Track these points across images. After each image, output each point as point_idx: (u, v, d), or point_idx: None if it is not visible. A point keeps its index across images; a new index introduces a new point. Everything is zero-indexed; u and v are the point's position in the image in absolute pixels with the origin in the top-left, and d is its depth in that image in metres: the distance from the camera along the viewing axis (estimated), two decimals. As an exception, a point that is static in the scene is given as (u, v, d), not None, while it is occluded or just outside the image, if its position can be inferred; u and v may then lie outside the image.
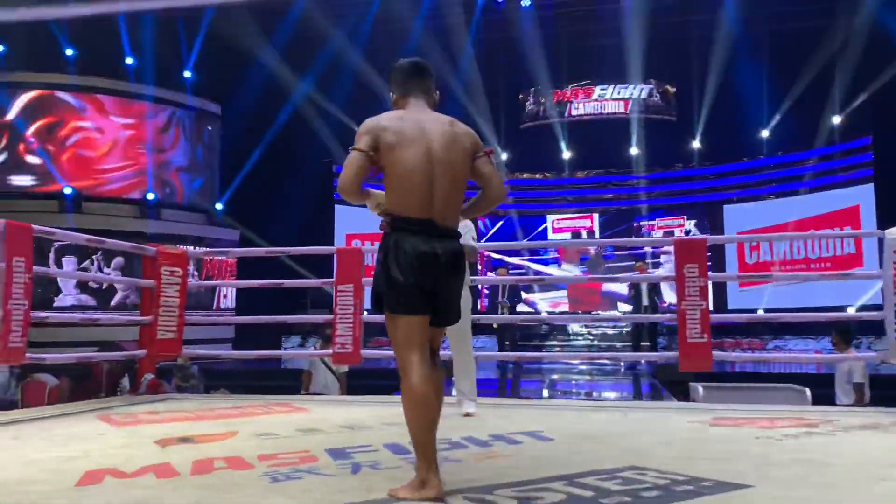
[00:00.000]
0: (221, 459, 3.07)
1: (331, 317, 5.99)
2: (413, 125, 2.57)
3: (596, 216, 18.09)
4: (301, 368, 7.73)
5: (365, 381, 9.57)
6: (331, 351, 7.28)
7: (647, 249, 16.97)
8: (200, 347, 8.70)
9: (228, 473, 2.81)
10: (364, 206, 2.66)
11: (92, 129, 15.14)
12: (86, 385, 7.14)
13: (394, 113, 2.67)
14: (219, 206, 16.62)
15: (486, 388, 8.25)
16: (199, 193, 16.45)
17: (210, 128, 16.64)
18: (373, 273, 2.68)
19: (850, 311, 13.39)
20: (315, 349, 7.85)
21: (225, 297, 15.38)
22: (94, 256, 14.05)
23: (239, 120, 15.65)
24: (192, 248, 9.08)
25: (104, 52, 15.26)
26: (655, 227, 17.74)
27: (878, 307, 12.96)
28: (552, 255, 17.84)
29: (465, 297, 4.75)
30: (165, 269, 6.18)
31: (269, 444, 3.51)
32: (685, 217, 17.62)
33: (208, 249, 8.79)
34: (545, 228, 18.10)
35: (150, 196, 15.25)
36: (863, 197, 15.05)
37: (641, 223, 17.83)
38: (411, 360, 2.46)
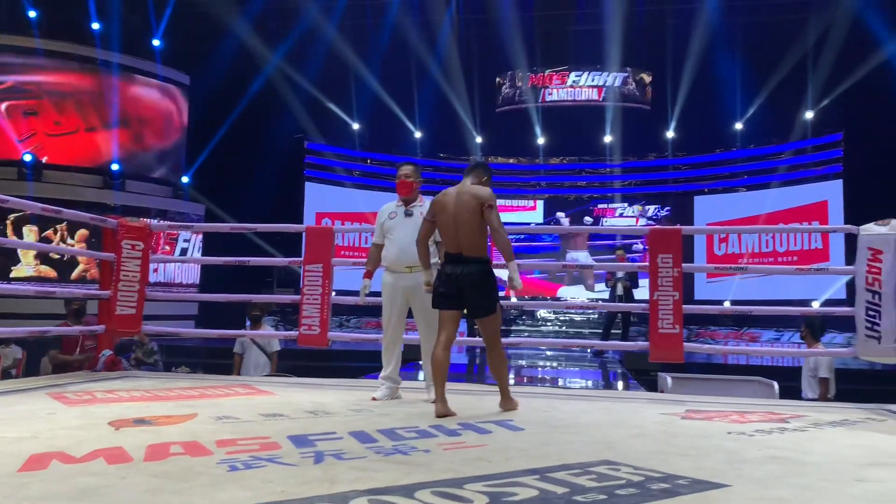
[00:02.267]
0: (178, 444, 2.93)
1: (291, 298, 5.84)
2: (450, 199, 4.24)
3: (541, 203, 18.05)
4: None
5: (332, 362, 9.48)
6: (264, 331, 7.16)
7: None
8: (162, 324, 8.51)
9: (184, 460, 2.67)
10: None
11: (29, 93, 14.57)
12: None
13: (446, 190, 4.32)
14: (185, 180, 16.27)
15: (455, 372, 8.17)
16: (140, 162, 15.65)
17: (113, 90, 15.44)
18: None
19: (815, 305, 13.57)
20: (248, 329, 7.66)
21: (155, 271, 14.79)
22: (56, 227, 13.66)
23: (208, 91, 15.28)
24: (154, 220, 8.82)
25: (69, 16, 14.76)
26: (615, 214, 17.77)
27: (842, 302, 13.19)
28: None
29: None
30: (126, 242, 5.97)
31: (228, 428, 3.37)
32: (642, 204, 17.68)
33: (171, 223, 8.55)
34: None
35: (115, 167, 14.85)
36: (831, 193, 15.22)
37: (591, 207, 17.88)
38: (441, 334, 4.18)
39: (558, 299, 17.08)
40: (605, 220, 17.69)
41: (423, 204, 4.74)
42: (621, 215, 17.80)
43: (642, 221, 17.41)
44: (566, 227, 17.26)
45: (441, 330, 4.19)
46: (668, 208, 17.51)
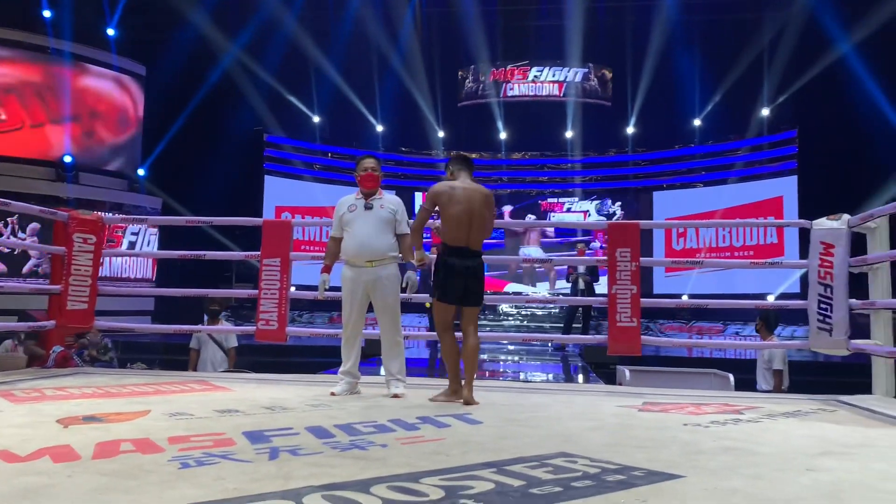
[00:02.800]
0: (129, 441, 2.86)
1: (248, 293, 5.76)
2: (461, 193, 4.39)
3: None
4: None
5: (291, 358, 9.39)
6: (221, 326, 7.09)
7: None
8: (118, 319, 8.36)
9: (135, 457, 2.61)
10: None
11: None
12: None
13: (447, 183, 4.45)
14: (141, 172, 15.95)
15: (416, 367, 8.16)
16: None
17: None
18: (432, 277, 4.48)
19: (770, 298, 13.84)
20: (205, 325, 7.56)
21: (101, 265, 14.36)
22: (7, 219, 13.29)
23: (165, 82, 14.98)
24: (108, 214, 8.66)
25: (18, 3, 14.34)
26: (563, 209, 17.88)
27: (796, 295, 13.49)
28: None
29: (396, 276, 4.63)
30: (78, 235, 5.84)
31: (182, 425, 3.31)
32: (592, 200, 17.84)
33: (124, 216, 8.38)
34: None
35: (67, 159, 14.49)
36: (787, 188, 15.54)
37: (538, 201, 17.99)
38: (446, 328, 4.45)
39: (519, 294, 17.16)
40: (552, 215, 17.82)
41: (383, 197, 4.71)
42: (569, 210, 17.94)
43: (592, 217, 17.55)
44: (527, 222, 17.31)
45: (449, 323, 4.45)
46: (619, 203, 17.69)
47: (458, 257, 4.33)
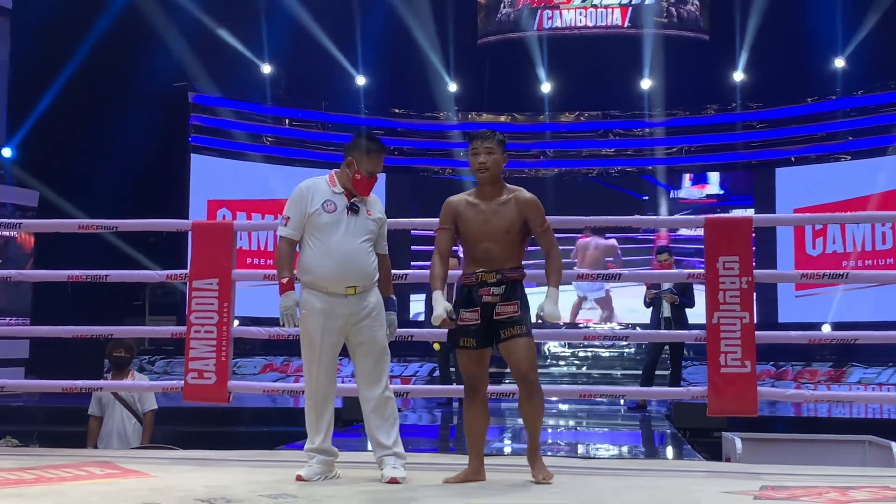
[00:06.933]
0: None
1: (171, 330, 5.83)
2: None
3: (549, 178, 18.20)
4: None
5: (234, 426, 9.49)
6: (133, 381, 7.18)
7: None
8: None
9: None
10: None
11: None
12: None
13: None
14: (7, 153, 16.09)
15: (422, 437, 8.24)
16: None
17: None
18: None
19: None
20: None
21: None
22: None
23: (42, 20, 15.12)
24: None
25: None
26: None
27: None
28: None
29: (382, 304, 4.73)
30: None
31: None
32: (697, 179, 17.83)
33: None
34: None
35: None
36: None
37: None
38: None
39: (576, 326, 17.18)
40: None
41: (368, 198, 4.78)
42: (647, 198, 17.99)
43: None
44: (578, 219, 17.33)
45: None
46: (722, 187, 17.65)
47: None
